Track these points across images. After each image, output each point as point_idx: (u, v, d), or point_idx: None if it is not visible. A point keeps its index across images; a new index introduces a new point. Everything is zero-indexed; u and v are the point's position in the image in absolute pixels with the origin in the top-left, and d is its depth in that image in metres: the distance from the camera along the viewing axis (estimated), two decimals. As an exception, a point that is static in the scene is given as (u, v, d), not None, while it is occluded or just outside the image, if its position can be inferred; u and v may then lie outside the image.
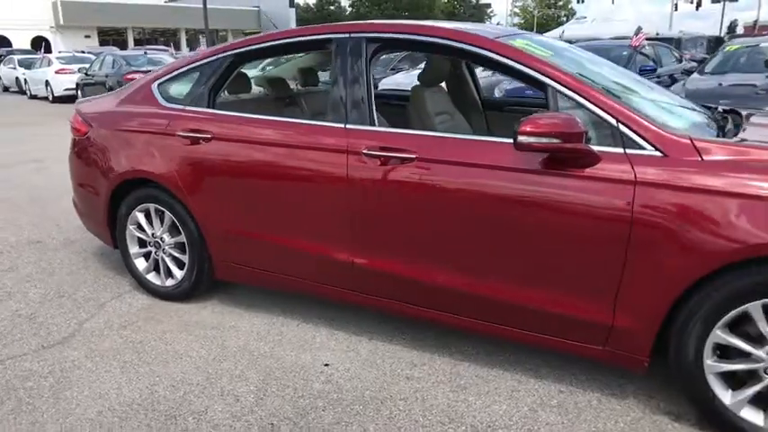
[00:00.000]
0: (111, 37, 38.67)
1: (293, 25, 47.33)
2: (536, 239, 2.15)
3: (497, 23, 69.14)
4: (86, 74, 13.76)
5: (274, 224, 2.75)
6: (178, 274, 3.17)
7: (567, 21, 48.70)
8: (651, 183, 1.95)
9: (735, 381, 2.02)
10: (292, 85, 3.86)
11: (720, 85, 6.70)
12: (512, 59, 2.25)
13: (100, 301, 3.27)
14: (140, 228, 3.23)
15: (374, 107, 2.52)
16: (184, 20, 41.15)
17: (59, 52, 21.92)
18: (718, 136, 2.22)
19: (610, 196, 2.00)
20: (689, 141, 1.97)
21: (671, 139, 1.99)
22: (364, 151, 2.42)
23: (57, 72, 15.28)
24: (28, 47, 30.22)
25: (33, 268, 3.76)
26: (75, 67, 15.05)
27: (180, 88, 3.09)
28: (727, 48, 7.90)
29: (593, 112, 2.09)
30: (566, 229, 2.09)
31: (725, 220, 1.85)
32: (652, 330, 2.04)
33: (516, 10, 72.65)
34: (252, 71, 3.83)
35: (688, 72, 8.15)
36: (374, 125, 2.50)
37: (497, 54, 2.28)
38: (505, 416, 2.21)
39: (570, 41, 12.29)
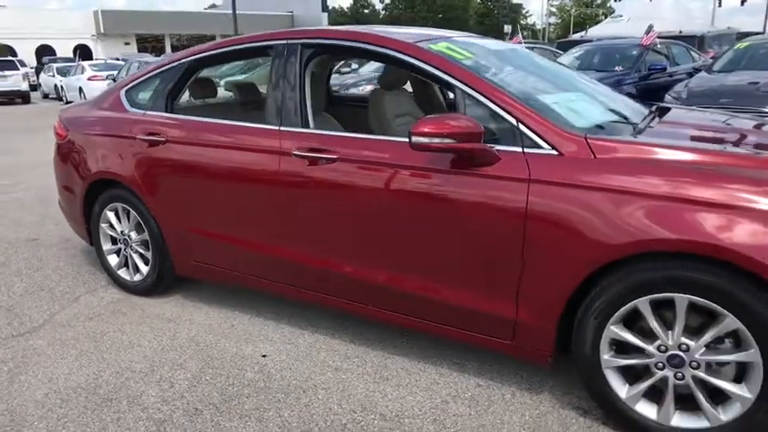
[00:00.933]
0: (149, 44, 40.00)
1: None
2: (441, 236, 2.23)
3: (530, 24, 68.38)
4: (114, 80, 14.33)
5: (222, 223, 2.89)
6: (144, 269, 3.35)
7: (606, 19, 47.81)
8: (544, 181, 2.01)
9: (633, 375, 2.05)
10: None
11: (722, 83, 6.56)
12: (425, 62, 2.34)
13: (75, 295, 3.48)
14: (111, 226, 3.43)
15: (309, 110, 2.63)
16: (221, 26, 42.14)
17: (96, 60, 22.81)
18: (631, 134, 2.24)
19: (506, 194, 2.07)
20: (583, 140, 2.02)
21: (567, 138, 2.04)
22: (294, 152, 2.54)
23: (89, 79, 15.96)
24: (70, 55, 31.47)
25: (24, 264, 4.02)
26: (106, 74, 15.68)
27: (144, 94, 3.27)
28: (738, 45, 7.71)
29: (496, 113, 2.15)
30: (468, 227, 2.16)
31: (612, 218, 1.90)
32: (551, 325, 2.09)
33: (553, 9, 71.58)
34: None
35: (698, 70, 7.97)
36: (308, 127, 2.61)
37: (413, 57, 2.37)
38: (417, 406, 2.29)
39: (591, 41, 12.14)
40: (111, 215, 3.40)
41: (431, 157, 2.20)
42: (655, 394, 2.01)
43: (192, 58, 3.10)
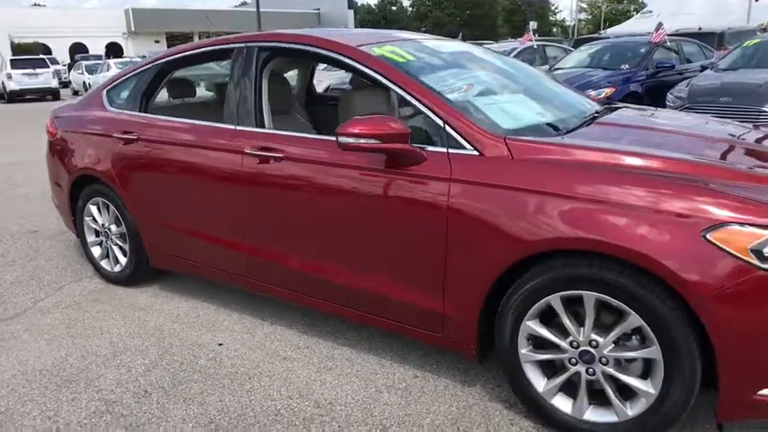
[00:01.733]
0: (179, 42, 40.80)
1: (352, 27, 48.19)
2: (374, 232, 2.32)
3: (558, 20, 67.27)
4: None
5: (187, 218, 3.03)
6: (123, 261, 3.53)
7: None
8: (464, 180, 2.09)
9: (550, 370, 2.11)
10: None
11: (725, 81, 6.46)
12: (364, 65, 2.43)
13: (60, 284, 3.68)
14: (94, 219, 3.61)
15: (265, 110, 2.75)
16: (249, 24, 42.73)
17: (123, 57, 23.41)
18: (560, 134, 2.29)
19: (430, 193, 2.15)
20: (503, 141, 2.09)
21: (488, 139, 2.11)
22: (247, 150, 2.66)
23: (114, 77, 16.39)
24: (102, 53, 32.36)
25: (20, 254, 4.25)
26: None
27: (122, 94, 3.44)
28: (747, 43, 7.56)
29: (426, 115, 2.23)
30: (397, 224, 2.24)
31: (522, 216, 1.96)
32: (474, 319, 2.16)
33: (583, 5, 70.33)
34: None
35: (706, 68, 7.83)
36: (263, 127, 2.73)
37: (353, 60, 2.46)
38: (351, 394, 2.39)
39: (607, 38, 12.00)
40: (93, 209, 3.58)
41: (364, 157, 2.29)
42: (571, 389, 2.07)
43: (164, 60, 3.25)
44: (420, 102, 2.25)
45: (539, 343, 2.10)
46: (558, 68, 9.29)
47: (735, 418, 1.87)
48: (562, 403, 2.08)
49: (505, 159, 2.06)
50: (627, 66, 8.40)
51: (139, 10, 37.60)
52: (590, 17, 68.87)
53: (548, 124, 2.37)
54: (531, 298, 2.01)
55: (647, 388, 1.89)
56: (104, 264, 3.66)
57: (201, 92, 3.92)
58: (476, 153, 2.11)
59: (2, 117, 15.38)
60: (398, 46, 2.63)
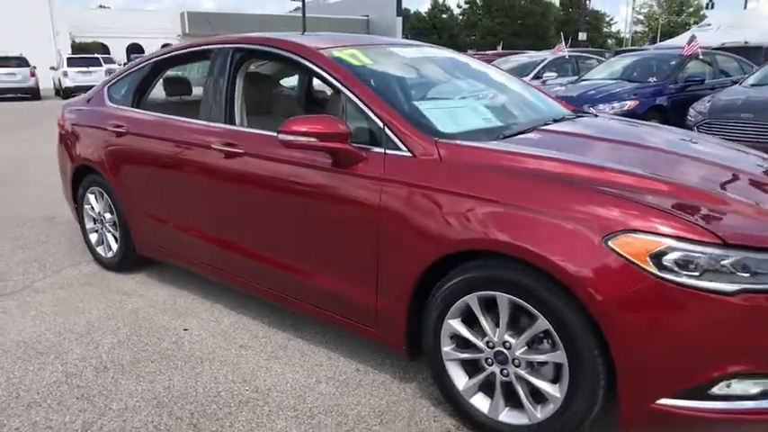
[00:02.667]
0: (230, 45, 41.98)
1: (399, 34, 48.48)
2: (317, 227, 2.42)
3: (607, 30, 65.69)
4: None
5: (166, 208, 3.21)
6: (114, 247, 3.74)
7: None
8: (395, 180, 2.16)
9: (472, 369, 2.15)
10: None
11: (748, 97, 6.25)
12: (319, 66, 2.53)
13: (60, 267, 3.92)
14: (92, 207, 3.84)
15: (235, 107, 2.88)
16: (299, 29, 43.72)
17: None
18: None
19: (365, 192, 2.23)
20: (434, 144, 2.15)
21: (421, 142, 2.17)
22: (214, 146, 2.81)
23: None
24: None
25: (32, 238, 4.54)
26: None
27: (120, 90, 3.66)
28: (779, 58, 7.28)
29: (369, 116, 2.32)
30: (337, 220, 2.33)
31: (442, 217, 2.02)
32: (402, 315, 2.22)
33: (640, 17, 68.56)
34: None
35: (735, 83, 7.59)
36: (233, 123, 2.87)
37: (309, 62, 2.57)
38: (290, 383, 2.49)
39: (646, 50, 11.72)
40: (91, 197, 3.81)
41: (312, 155, 2.39)
42: (490, 389, 2.10)
43: (155, 60, 3.45)
44: (365, 104, 2.33)
45: (461, 342, 2.14)
46: (585, 79, 9.17)
47: (637, 427, 1.87)
48: (480, 403, 2.12)
49: (434, 162, 2.12)
50: (654, 79, 8.22)
51: (194, 13, 39.01)
52: (647, 29, 67.10)
53: (490, 129, 2.41)
54: (451, 297, 2.06)
55: (555, 392, 1.91)
56: (100, 250, 3.88)
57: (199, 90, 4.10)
58: (409, 155, 2.18)
59: (56, 111, 16.24)
60: (361, 50, 2.72)
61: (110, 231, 3.75)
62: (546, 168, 1.97)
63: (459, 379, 2.15)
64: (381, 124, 2.27)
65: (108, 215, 3.72)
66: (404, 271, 2.15)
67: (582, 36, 34.74)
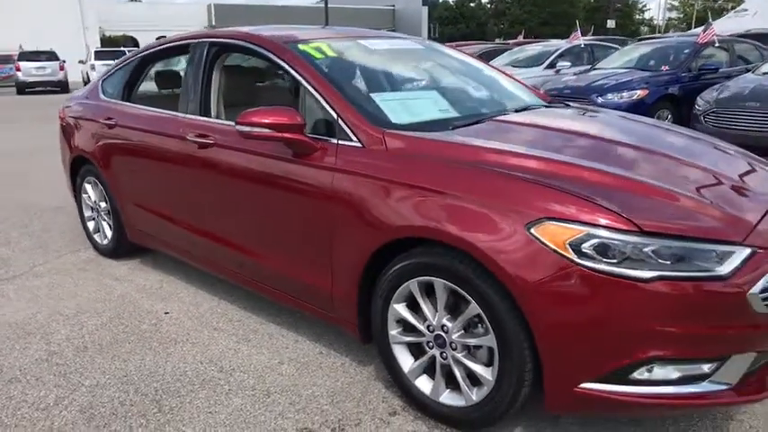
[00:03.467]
0: (257, 37, 42.34)
1: (425, 24, 48.19)
2: (277, 215, 2.51)
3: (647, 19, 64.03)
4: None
5: (149, 197, 3.35)
6: (109, 235, 3.91)
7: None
8: (345, 170, 2.24)
9: (417, 352, 2.22)
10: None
11: (758, 86, 6.11)
12: (282, 59, 2.61)
13: (60, 254, 4.12)
14: (89, 196, 4.02)
15: (211, 99, 2.99)
16: (322, 20, 43.85)
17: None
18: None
19: (318, 181, 2.31)
20: (381, 134, 2.22)
21: (370, 133, 2.25)
22: (188, 137, 2.93)
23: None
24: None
25: (40, 226, 4.76)
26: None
27: (113, 84, 3.81)
28: (795, 45, 7.08)
29: (325, 108, 2.39)
30: (295, 209, 2.43)
31: (385, 205, 2.09)
32: (353, 299, 2.31)
33: (675, 3, 66.59)
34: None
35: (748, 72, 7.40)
36: (209, 115, 2.98)
37: (274, 54, 2.65)
38: (253, 363, 2.60)
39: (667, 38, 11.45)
40: (88, 187, 3.99)
41: (273, 146, 2.48)
42: (433, 371, 2.17)
43: (141, 54, 3.58)
44: (321, 95, 2.41)
45: (407, 326, 2.21)
46: (597, 69, 9.05)
47: (562, 411, 1.92)
48: (424, 385, 2.19)
49: (380, 152, 2.19)
50: (667, 67, 8.07)
51: (221, 5, 39.46)
52: (682, 15, 65.14)
53: (443, 120, 2.45)
54: (395, 282, 2.14)
55: (488, 375, 1.98)
56: (96, 237, 4.06)
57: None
58: (359, 145, 2.25)
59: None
60: (329, 43, 2.79)
61: (105, 220, 3.92)
62: (479, 158, 2.03)
63: (405, 361, 2.23)
64: (335, 115, 2.35)
65: (103, 204, 3.89)
66: (353, 257, 2.24)
67: (610, 24, 33.93)
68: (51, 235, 4.53)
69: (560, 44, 11.34)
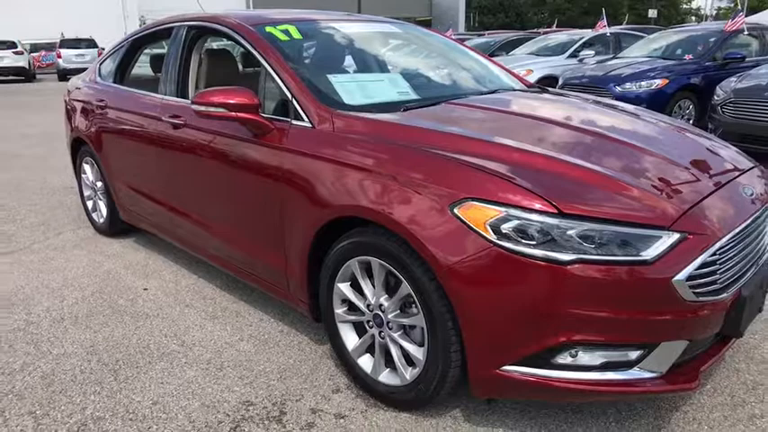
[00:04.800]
0: (293, 26, 42.64)
1: (462, 12, 47.61)
2: (236, 195, 2.57)
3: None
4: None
5: (135, 177, 3.45)
6: (104, 213, 4.04)
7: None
8: (295, 150, 2.27)
9: (361, 331, 2.24)
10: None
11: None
12: (247, 40, 2.64)
13: (60, 231, 4.28)
14: (88, 177, 4.16)
15: (189, 81, 3.06)
16: (364, 7, 43.75)
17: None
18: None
19: (271, 160, 2.35)
20: (329, 115, 2.24)
21: (320, 113, 2.27)
22: (163, 118, 3.00)
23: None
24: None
25: (47, 205, 4.96)
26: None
27: (108, 67, 3.92)
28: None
29: (281, 88, 2.42)
30: (251, 188, 2.47)
31: (327, 185, 2.11)
32: (303, 278, 2.34)
33: (725, -9, 63.95)
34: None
35: (777, 61, 7.08)
36: (186, 97, 3.04)
37: (239, 35, 2.69)
38: (215, 340, 2.67)
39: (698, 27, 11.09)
40: (87, 167, 4.13)
41: (232, 126, 2.52)
42: (373, 349, 2.19)
43: (133, 37, 3.68)
44: (279, 76, 2.44)
45: (352, 305, 2.24)
46: (619, 57, 8.81)
47: (485, 394, 1.91)
48: (366, 363, 2.21)
49: (327, 132, 2.21)
50: (690, 56, 7.80)
51: (258, -7, 40.00)
52: (732, 5, 62.57)
53: (396, 102, 2.44)
54: (338, 261, 2.16)
55: (420, 355, 1.99)
56: (94, 216, 4.20)
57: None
58: (310, 126, 2.28)
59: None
60: (296, 25, 2.81)
61: (101, 199, 4.06)
62: (415, 139, 2.02)
63: (350, 340, 2.26)
64: (290, 96, 2.37)
65: (99, 183, 4.02)
66: (301, 237, 2.27)
67: (652, 13, 32.86)
68: (55, 213, 4.71)
69: (585, 33, 11.07)
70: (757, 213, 2.00)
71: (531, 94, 2.90)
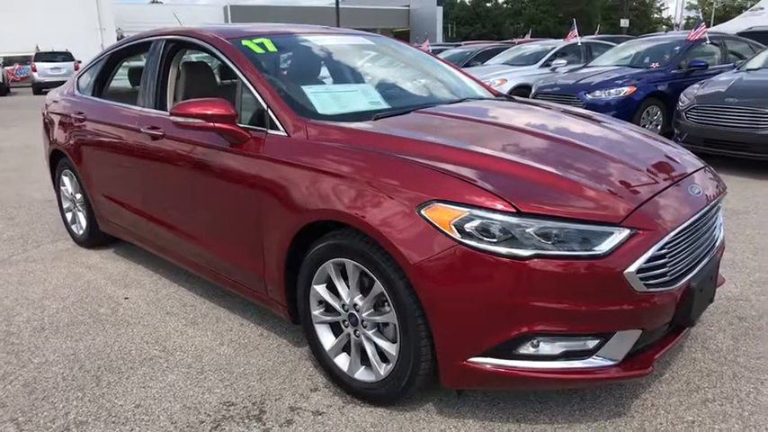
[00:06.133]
0: (271, 38, 42.73)
1: (440, 23, 48.16)
2: (215, 203, 2.65)
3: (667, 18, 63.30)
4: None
5: (114, 188, 3.50)
6: (84, 225, 4.08)
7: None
8: (270, 158, 2.36)
9: (337, 331, 2.33)
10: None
11: (736, 82, 6.11)
12: (224, 54, 2.73)
13: (39, 243, 4.31)
14: (67, 188, 4.19)
15: (167, 94, 3.14)
16: (342, 20, 44.07)
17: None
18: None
19: (248, 169, 2.43)
20: (303, 124, 2.34)
21: (294, 123, 2.37)
22: (142, 130, 3.07)
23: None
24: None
25: (26, 218, 4.96)
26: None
27: (86, 80, 3.98)
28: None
29: (257, 99, 2.52)
30: (230, 196, 2.55)
31: (302, 191, 2.21)
32: (281, 282, 2.42)
33: (694, 1, 65.69)
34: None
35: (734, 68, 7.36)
36: (164, 109, 3.12)
37: (217, 49, 2.78)
38: (196, 344, 2.73)
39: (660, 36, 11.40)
40: (65, 179, 4.17)
41: (210, 136, 2.61)
42: (349, 348, 2.28)
43: (111, 51, 3.75)
44: (255, 88, 2.53)
45: (328, 306, 2.33)
46: (589, 66, 9.07)
47: (456, 385, 2.01)
48: (343, 362, 2.30)
49: (302, 141, 2.31)
50: (656, 65, 8.07)
51: (236, 6, 40.07)
52: (700, 15, 64.27)
53: (368, 111, 2.55)
54: (314, 264, 2.25)
55: (393, 351, 2.08)
56: (74, 228, 4.23)
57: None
58: (285, 135, 2.38)
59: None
60: (272, 38, 2.91)
61: (81, 211, 4.09)
62: (386, 145, 2.14)
63: (327, 340, 2.35)
64: (266, 106, 2.47)
65: (78, 195, 4.06)
66: (279, 242, 2.35)
67: (623, 23, 33.62)
68: (35, 226, 4.73)
69: (558, 43, 11.36)
70: (705, 210, 2.15)
71: (498, 102, 3.04)
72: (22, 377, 2.50)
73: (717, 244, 2.33)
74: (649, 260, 1.85)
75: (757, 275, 3.32)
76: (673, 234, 1.92)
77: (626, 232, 1.84)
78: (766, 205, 4.73)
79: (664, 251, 1.90)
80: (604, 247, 1.80)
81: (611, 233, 1.82)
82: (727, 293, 3.07)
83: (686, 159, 2.45)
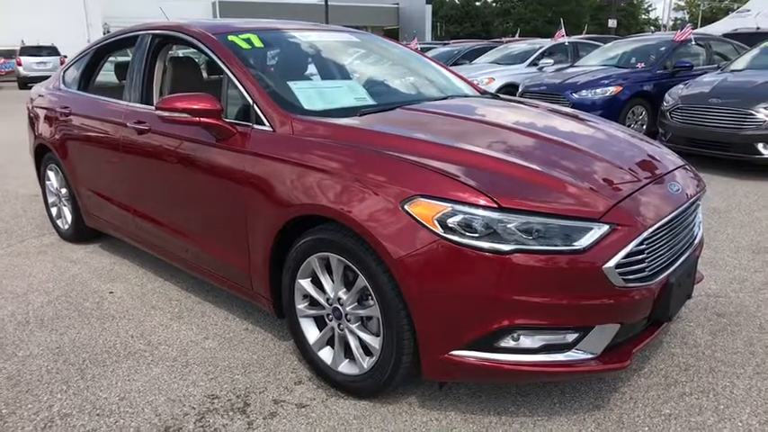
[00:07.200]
0: (260, 34, 42.53)
1: (429, 21, 48.22)
2: (200, 197, 2.65)
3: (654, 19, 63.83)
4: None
5: (99, 183, 3.49)
6: (69, 219, 4.06)
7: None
8: (255, 153, 2.37)
9: (321, 325, 2.35)
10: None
11: (720, 82, 6.20)
12: (210, 49, 2.74)
13: (24, 238, 4.28)
14: (52, 183, 4.17)
15: (153, 88, 3.13)
16: (332, 17, 43.97)
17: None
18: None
19: (233, 164, 2.45)
20: (289, 119, 2.35)
21: (280, 118, 2.38)
22: (128, 124, 3.07)
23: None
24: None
25: (10, 213, 4.93)
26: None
27: (71, 75, 3.96)
28: (765, 43, 7.16)
29: (243, 94, 2.53)
30: (216, 191, 2.56)
31: (287, 185, 2.22)
32: (265, 276, 2.44)
33: (681, 3, 66.31)
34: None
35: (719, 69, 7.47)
36: (150, 104, 3.11)
37: (202, 43, 2.78)
38: (181, 338, 2.74)
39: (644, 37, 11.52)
40: (51, 174, 4.14)
41: (196, 131, 2.61)
42: (333, 342, 2.31)
43: (97, 45, 3.73)
44: (240, 83, 2.54)
45: (312, 300, 2.34)
46: (576, 66, 9.14)
47: (438, 377, 2.04)
48: (326, 355, 2.32)
49: (287, 136, 2.32)
50: (642, 65, 8.15)
51: (224, 2, 39.78)
52: (688, 15, 64.81)
53: (353, 107, 2.58)
54: (299, 258, 2.27)
55: (376, 344, 2.11)
56: (59, 222, 4.21)
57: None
58: (270, 130, 2.39)
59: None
60: (258, 34, 2.92)
61: (66, 205, 4.07)
62: (370, 141, 2.16)
63: (311, 334, 2.37)
64: (251, 101, 2.48)
65: (64, 190, 4.04)
66: (263, 236, 2.37)
67: (611, 23, 33.85)
68: (19, 221, 4.70)
69: (545, 42, 11.43)
70: (683, 207, 2.19)
71: (484, 100, 3.07)
72: (5, 370, 2.50)
73: (696, 241, 2.38)
74: (628, 255, 1.89)
75: (736, 273, 3.38)
76: (651, 230, 1.96)
77: (605, 228, 1.87)
78: (748, 204, 4.82)
79: (643, 247, 1.94)
80: (584, 242, 1.84)
81: (591, 229, 1.86)
82: (706, 290, 3.13)
83: (667, 158, 2.49)
